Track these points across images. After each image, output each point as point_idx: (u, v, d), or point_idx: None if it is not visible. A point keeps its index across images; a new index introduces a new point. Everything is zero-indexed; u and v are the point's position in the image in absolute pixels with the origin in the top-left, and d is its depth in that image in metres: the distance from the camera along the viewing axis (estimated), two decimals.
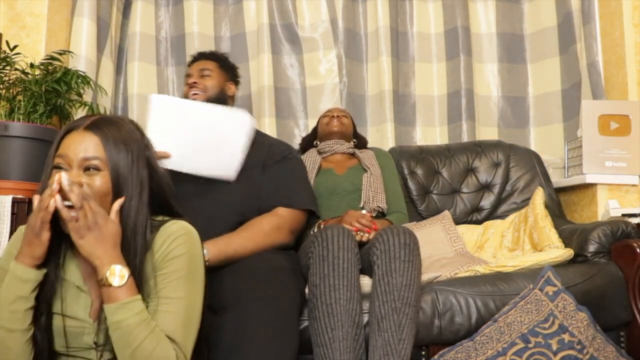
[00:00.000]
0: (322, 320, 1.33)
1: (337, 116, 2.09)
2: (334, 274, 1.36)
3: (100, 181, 0.96)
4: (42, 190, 0.97)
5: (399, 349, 1.31)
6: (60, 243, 0.99)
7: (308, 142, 2.19)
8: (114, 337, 0.92)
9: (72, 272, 1.02)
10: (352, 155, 2.06)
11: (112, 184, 0.97)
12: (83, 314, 1.00)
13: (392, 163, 2.09)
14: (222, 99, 1.77)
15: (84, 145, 0.96)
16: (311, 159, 1.99)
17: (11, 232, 1.73)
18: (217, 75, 1.81)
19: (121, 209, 0.97)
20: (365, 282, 1.51)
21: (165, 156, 1.47)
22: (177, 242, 1.00)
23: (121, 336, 0.91)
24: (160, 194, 1.06)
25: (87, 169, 0.96)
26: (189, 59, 1.95)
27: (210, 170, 1.54)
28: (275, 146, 1.73)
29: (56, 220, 0.94)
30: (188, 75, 1.81)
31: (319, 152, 2.05)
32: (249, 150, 1.62)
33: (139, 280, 0.96)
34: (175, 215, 1.08)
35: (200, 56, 1.88)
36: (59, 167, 0.97)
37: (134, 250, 0.98)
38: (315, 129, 2.21)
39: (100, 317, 0.97)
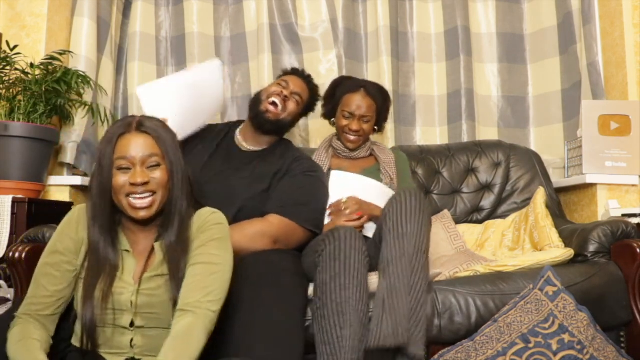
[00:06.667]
0: (331, 318, 1.32)
1: (356, 130, 1.86)
2: (345, 273, 1.35)
3: (162, 173, 1.11)
4: (98, 188, 1.10)
5: (407, 289, 1.36)
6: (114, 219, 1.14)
7: (328, 114, 2.01)
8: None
9: (123, 242, 1.16)
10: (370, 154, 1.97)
11: (169, 174, 1.12)
12: (127, 276, 1.12)
13: (408, 167, 2.01)
14: (289, 127, 1.78)
15: (142, 146, 1.10)
16: (319, 163, 1.89)
17: (11, 232, 1.73)
18: (300, 104, 1.79)
19: (170, 196, 1.13)
20: (372, 279, 1.50)
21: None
22: (214, 216, 1.16)
23: None
24: (189, 187, 1.19)
25: (149, 166, 1.10)
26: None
27: (207, 118, 1.82)
28: (301, 162, 1.70)
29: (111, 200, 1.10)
30: (284, 81, 1.78)
31: (332, 147, 1.95)
32: (273, 158, 1.69)
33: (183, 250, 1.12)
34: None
35: (303, 76, 1.85)
36: (123, 168, 1.09)
37: (180, 230, 1.12)
38: (332, 99, 1.97)
39: (141, 279, 1.10)
